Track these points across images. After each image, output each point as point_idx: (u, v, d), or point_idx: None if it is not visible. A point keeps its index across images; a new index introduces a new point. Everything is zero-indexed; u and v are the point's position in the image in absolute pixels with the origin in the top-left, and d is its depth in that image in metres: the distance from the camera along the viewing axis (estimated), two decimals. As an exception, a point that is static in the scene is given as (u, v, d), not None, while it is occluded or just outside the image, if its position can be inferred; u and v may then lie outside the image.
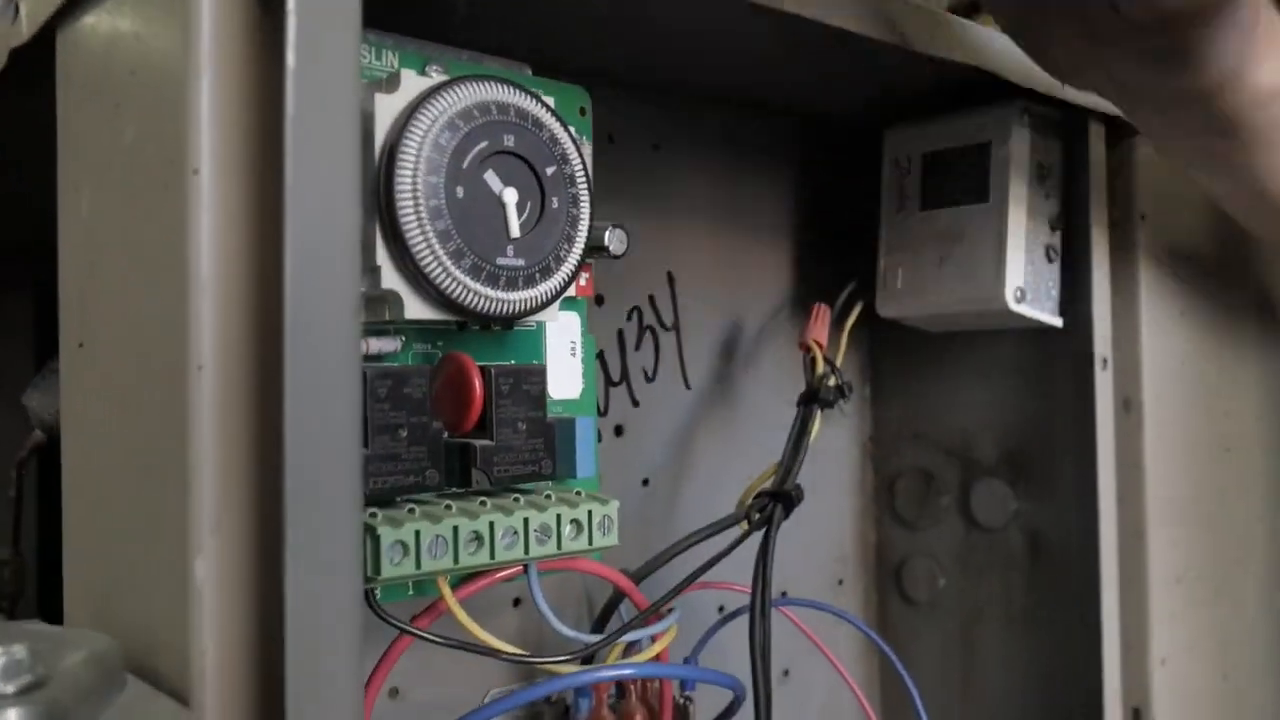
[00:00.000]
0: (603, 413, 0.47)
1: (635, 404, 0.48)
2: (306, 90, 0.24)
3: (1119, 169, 0.51)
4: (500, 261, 0.30)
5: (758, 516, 0.42)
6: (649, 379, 0.49)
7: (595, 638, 0.35)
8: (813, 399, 0.45)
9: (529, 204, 0.31)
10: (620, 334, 0.48)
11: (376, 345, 0.31)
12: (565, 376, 0.36)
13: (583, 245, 0.33)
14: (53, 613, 0.31)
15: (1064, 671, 0.51)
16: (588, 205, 0.33)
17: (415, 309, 0.30)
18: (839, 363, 0.47)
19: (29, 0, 0.33)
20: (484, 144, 0.30)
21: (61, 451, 0.31)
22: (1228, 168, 0.35)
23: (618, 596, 0.40)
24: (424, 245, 0.29)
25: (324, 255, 0.25)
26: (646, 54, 0.42)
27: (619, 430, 0.48)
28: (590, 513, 0.32)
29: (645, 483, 0.49)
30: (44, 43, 0.33)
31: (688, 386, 0.50)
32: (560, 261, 0.32)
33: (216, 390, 0.25)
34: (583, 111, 0.37)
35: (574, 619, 0.45)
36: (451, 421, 0.32)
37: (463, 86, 0.30)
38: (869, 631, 0.48)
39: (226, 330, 0.25)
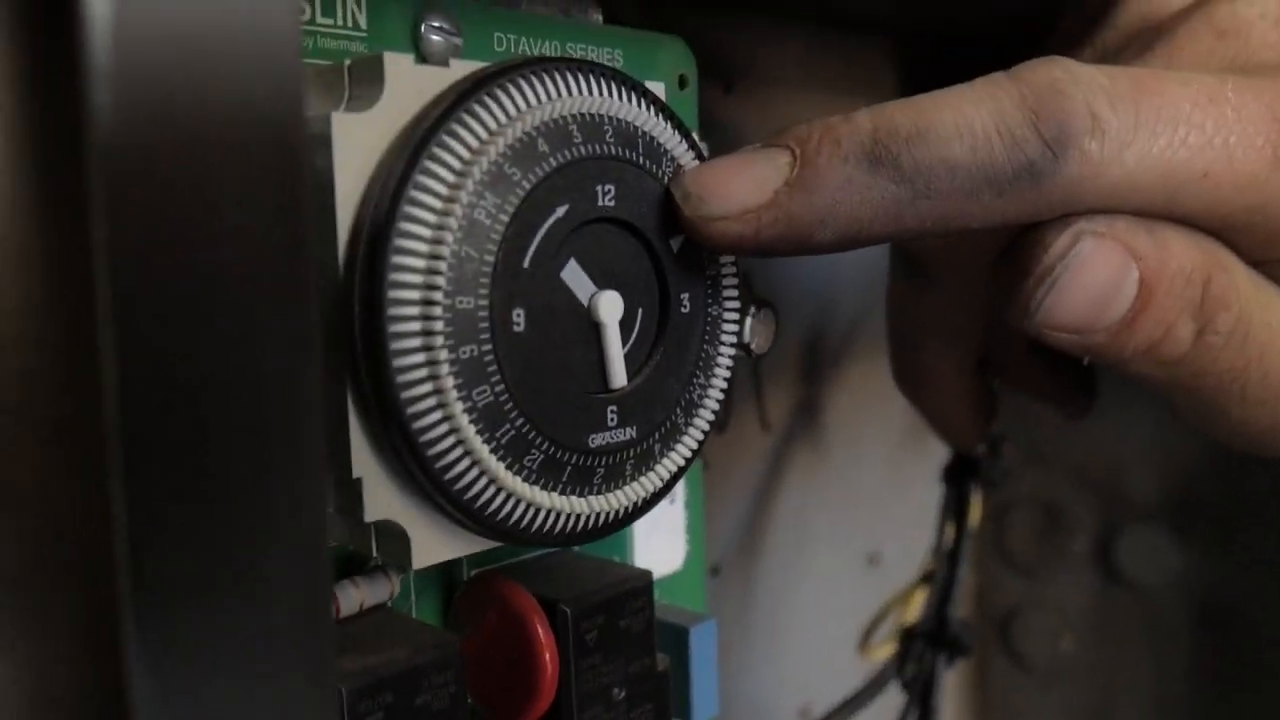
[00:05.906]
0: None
1: (704, 466, 0.34)
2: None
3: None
4: (596, 442, 0.15)
5: (910, 674, 0.29)
6: (718, 429, 0.34)
7: None
8: (968, 471, 0.31)
9: (640, 312, 0.16)
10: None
11: (357, 596, 0.16)
12: (659, 540, 0.21)
13: (728, 368, 0.18)
14: None
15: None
16: (734, 289, 0.18)
17: (433, 550, 0.15)
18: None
19: None
20: (564, 208, 0.15)
21: None
22: None
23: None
24: (452, 442, 0.14)
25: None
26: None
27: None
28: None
29: (715, 572, 0.35)
30: None
31: (765, 427, 0.36)
32: (693, 411, 0.17)
33: None
34: (683, 83, 0.21)
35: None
36: (495, 705, 0.17)
37: (515, 85, 0.14)
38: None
39: None
